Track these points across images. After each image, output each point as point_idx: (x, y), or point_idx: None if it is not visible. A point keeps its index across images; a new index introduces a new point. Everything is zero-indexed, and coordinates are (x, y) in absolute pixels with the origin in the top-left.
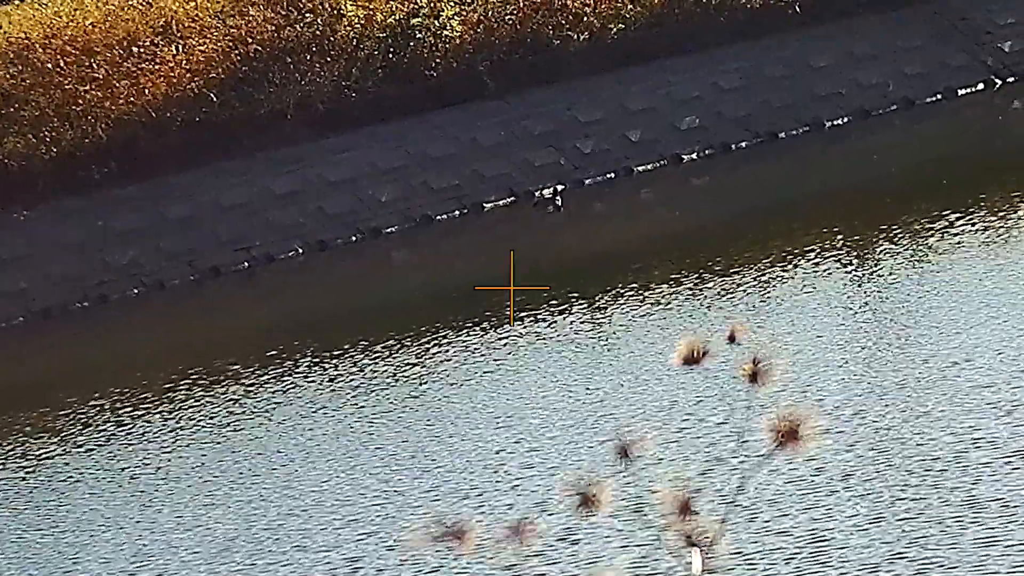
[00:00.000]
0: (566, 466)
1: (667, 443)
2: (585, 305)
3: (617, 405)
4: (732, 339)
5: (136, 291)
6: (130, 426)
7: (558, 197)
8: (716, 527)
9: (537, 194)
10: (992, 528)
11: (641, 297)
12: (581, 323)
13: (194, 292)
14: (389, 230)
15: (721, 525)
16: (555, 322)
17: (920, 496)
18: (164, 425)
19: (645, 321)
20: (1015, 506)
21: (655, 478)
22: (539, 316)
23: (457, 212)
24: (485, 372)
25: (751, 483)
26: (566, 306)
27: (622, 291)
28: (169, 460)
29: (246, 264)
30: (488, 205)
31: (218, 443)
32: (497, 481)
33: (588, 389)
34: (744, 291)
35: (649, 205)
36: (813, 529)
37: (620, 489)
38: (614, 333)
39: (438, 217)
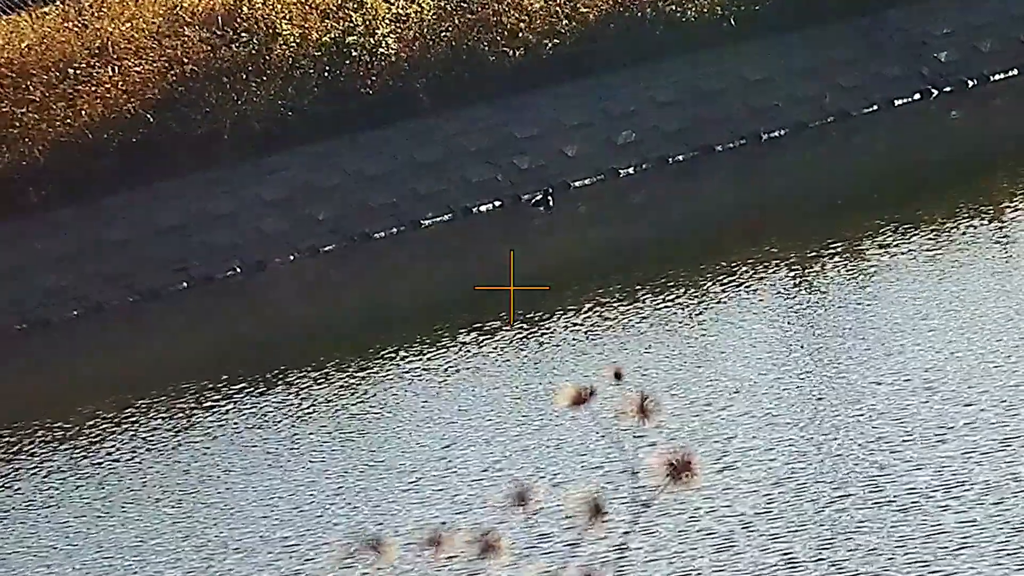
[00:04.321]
0: (458, 515)
1: (559, 486)
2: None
3: (506, 454)
4: (618, 377)
5: (75, 313)
6: (68, 453)
7: (549, 198)
8: (611, 563)
9: (527, 196)
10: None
11: (577, 319)
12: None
13: (133, 314)
14: (327, 248)
15: (615, 561)
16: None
17: (819, 533)
18: (110, 450)
19: (573, 346)
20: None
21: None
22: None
23: (395, 229)
24: (393, 409)
25: (645, 518)
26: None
27: (555, 310)
28: (111, 486)
29: (184, 285)
30: (425, 222)
31: (153, 467)
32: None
33: (477, 434)
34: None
35: (589, 220)
36: (710, 563)
37: (518, 535)
38: (538, 359)
39: (375, 235)
